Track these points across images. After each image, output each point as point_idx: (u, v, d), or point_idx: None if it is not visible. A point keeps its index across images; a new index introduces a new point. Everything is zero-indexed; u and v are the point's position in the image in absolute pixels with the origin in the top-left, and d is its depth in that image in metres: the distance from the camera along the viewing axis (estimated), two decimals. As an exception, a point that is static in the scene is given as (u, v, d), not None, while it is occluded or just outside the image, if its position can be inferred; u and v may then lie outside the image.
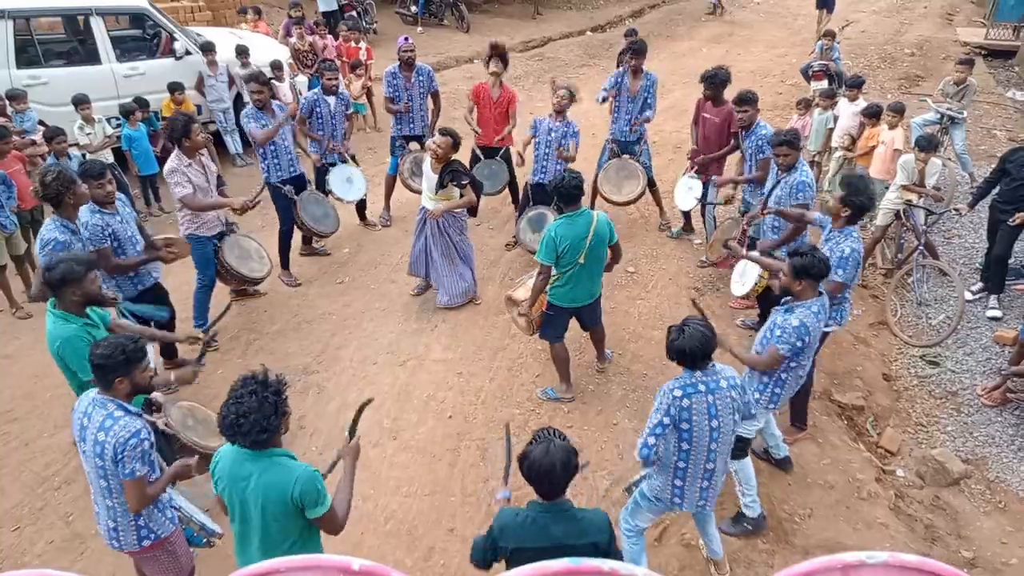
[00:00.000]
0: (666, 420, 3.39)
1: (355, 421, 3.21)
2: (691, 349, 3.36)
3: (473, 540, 2.91)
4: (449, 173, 5.82)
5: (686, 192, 6.87)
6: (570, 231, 4.71)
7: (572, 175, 4.78)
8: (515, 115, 7.25)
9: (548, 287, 4.97)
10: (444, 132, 5.89)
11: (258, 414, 2.60)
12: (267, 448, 2.72)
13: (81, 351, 3.52)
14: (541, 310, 5.13)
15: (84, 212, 4.57)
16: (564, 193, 4.73)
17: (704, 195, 6.78)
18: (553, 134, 6.49)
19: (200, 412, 4.05)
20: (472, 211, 6.34)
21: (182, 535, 3.43)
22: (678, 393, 3.38)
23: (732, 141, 6.52)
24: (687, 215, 7.47)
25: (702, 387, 3.39)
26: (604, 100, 7.31)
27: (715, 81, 6.45)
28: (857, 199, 4.46)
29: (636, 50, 7.00)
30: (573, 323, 5.25)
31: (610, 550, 2.78)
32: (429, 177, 6.00)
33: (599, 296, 5.17)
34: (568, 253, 4.73)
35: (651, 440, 3.42)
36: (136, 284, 4.88)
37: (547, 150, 6.55)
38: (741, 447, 4.19)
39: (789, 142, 5.24)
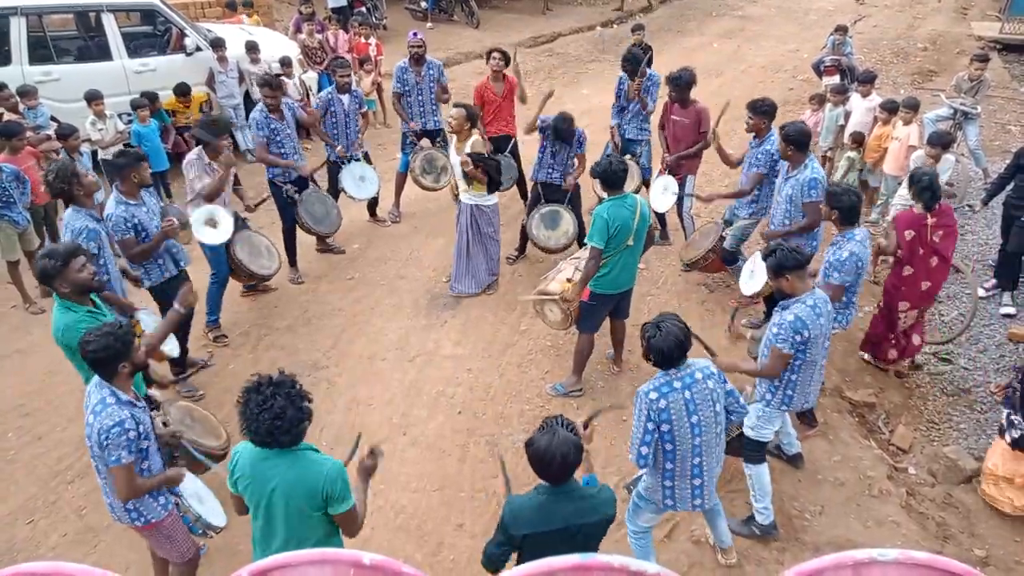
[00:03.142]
0: (650, 426, 3.36)
1: (353, 451, 3.27)
2: (668, 349, 3.32)
3: (485, 546, 2.92)
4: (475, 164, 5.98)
5: (661, 194, 6.60)
6: (620, 213, 4.76)
7: (617, 159, 4.83)
8: (524, 91, 7.25)
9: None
10: (456, 105, 6.05)
11: (292, 408, 2.62)
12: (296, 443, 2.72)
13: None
14: (579, 301, 5.14)
15: (110, 204, 4.63)
16: (610, 177, 4.77)
17: (680, 196, 6.63)
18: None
19: (198, 412, 4.06)
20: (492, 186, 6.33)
21: (178, 521, 3.45)
22: (654, 396, 3.34)
23: (703, 140, 6.43)
24: (663, 220, 7.29)
25: (677, 384, 3.36)
26: (616, 122, 7.25)
27: (680, 83, 6.33)
28: (840, 201, 4.50)
29: (626, 69, 6.92)
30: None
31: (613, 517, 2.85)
32: (456, 161, 6.10)
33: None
34: (619, 235, 4.78)
35: (644, 450, 3.41)
36: (163, 270, 4.96)
37: (554, 153, 6.43)
38: (757, 450, 4.15)
39: (758, 109, 5.58)
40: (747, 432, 4.12)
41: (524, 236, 6.89)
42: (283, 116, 6.28)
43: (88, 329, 3.14)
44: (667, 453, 3.43)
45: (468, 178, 6.03)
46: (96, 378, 3.16)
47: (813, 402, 4.31)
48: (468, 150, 6.01)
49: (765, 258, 3.94)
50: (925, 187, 5.06)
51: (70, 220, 4.37)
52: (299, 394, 2.69)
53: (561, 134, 6.22)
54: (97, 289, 3.86)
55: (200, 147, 5.48)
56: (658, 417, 3.33)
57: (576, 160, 6.46)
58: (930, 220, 5.10)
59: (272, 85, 6.18)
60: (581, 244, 6.30)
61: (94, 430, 3.04)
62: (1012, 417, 4.51)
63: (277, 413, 2.59)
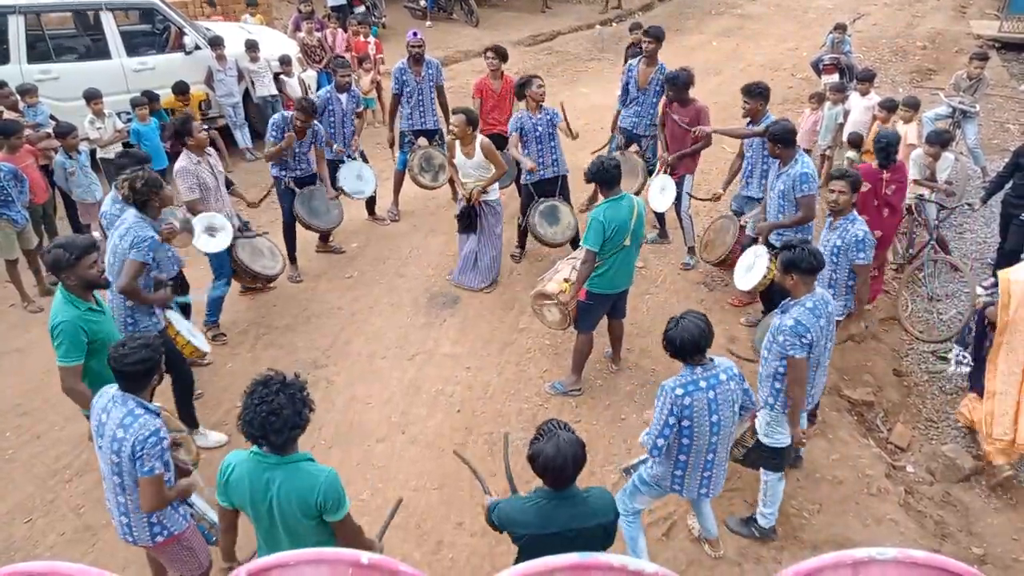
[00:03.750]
0: (672, 420, 3.41)
1: (385, 527, 3.26)
2: (682, 341, 3.35)
3: (492, 505, 2.94)
4: None
5: (659, 193, 6.56)
6: (616, 214, 4.77)
7: (610, 159, 4.84)
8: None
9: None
10: (455, 111, 6.06)
11: (290, 409, 2.61)
12: (289, 452, 2.71)
13: (74, 337, 3.59)
14: (576, 301, 5.15)
15: (107, 201, 4.63)
16: (605, 177, 4.77)
17: (679, 194, 6.60)
18: (540, 128, 6.36)
19: (172, 423, 4.04)
20: None
21: (197, 532, 3.44)
22: (680, 392, 3.38)
23: (703, 139, 6.42)
24: (662, 219, 7.28)
25: (703, 383, 3.40)
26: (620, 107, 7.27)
27: (677, 83, 6.34)
28: (857, 179, 4.64)
29: (650, 35, 6.84)
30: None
31: (615, 527, 2.84)
32: (463, 164, 6.16)
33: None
34: (615, 236, 4.78)
35: (660, 442, 3.47)
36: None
37: (539, 146, 6.41)
38: (775, 457, 4.10)
39: (752, 92, 5.84)
40: (762, 439, 4.08)
41: (522, 233, 6.92)
42: (304, 135, 6.28)
43: (120, 341, 3.10)
44: (683, 447, 3.49)
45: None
46: (115, 392, 3.10)
47: (816, 400, 4.29)
48: (479, 151, 6.06)
49: (782, 250, 3.88)
50: (882, 148, 5.82)
51: (135, 227, 4.30)
52: (302, 399, 2.68)
53: (521, 91, 6.36)
54: (103, 286, 3.85)
55: (185, 150, 5.44)
56: (680, 412, 3.39)
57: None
58: (885, 175, 5.85)
59: (307, 111, 6.16)
60: (576, 243, 6.33)
61: (127, 443, 2.97)
62: (961, 355, 5.14)
63: (274, 409, 2.58)
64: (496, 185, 6.38)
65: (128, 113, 7.70)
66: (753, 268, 5.46)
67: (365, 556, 1.59)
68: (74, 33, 9.20)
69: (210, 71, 8.80)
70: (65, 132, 6.44)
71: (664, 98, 6.67)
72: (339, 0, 13.04)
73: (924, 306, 6.70)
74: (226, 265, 5.70)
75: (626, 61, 8.85)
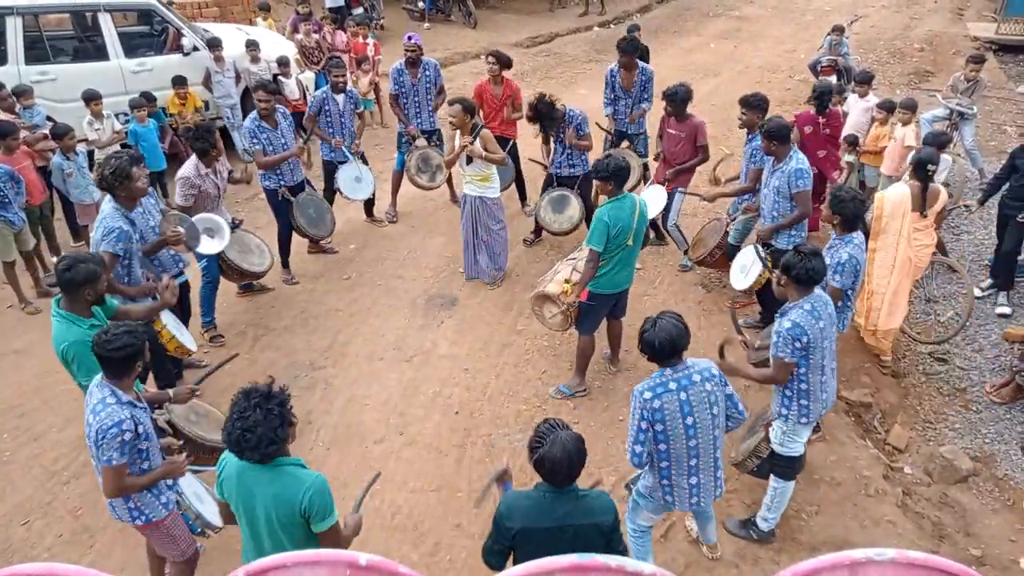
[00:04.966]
0: (644, 424, 3.36)
1: (362, 497, 3.20)
2: (660, 343, 3.31)
3: (483, 545, 2.91)
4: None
5: (649, 201, 6.50)
6: (620, 214, 4.79)
7: (616, 157, 4.86)
8: (522, 106, 7.28)
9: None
10: (452, 102, 6.12)
11: (265, 426, 2.56)
12: (274, 459, 2.68)
13: (86, 355, 3.51)
14: (578, 302, 5.15)
15: (106, 202, 4.62)
16: (620, 174, 4.78)
17: (668, 205, 6.62)
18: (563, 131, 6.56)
19: (202, 407, 4.06)
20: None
21: (179, 520, 3.46)
22: (648, 395, 3.33)
23: (700, 154, 6.47)
24: (656, 225, 7.26)
25: (672, 385, 3.34)
26: (610, 111, 7.35)
27: (675, 99, 6.35)
28: (845, 208, 4.49)
29: (621, 49, 6.99)
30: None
31: (614, 533, 2.80)
32: (462, 158, 6.20)
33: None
34: (619, 236, 4.80)
35: (637, 448, 3.42)
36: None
37: (560, 145, 6.67)
38: (789, 466, 4.07)
39: (750, 103, 5.90)
40: (775, 448, 4.05)
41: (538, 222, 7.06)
42: (276, 124, 6.23)
43: (103, 328, 3.11)
44: (661, 453, 3.43)
45: (475, 170, 6.15)
46: (98, 378, 3.14)
47: (830, 406, 4.20)
48: (478, 142, 6.08)
49: (793, 249, 3.84)
50: (817, 96, 6.70)
51: (107, 217, 4.30)
52: (280, 415, 2.61)
53: (540, 115, 6.40)
54: (102, 301, 3.84)
55: (196, 158, 5.44)
56: (652, 416, 3.33)
57: (583, 142, 6.63)
58: (821, 120, 6.68)
59: (267, 89, 6.13)
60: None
61: (93, 429, 3.04)
62: None
63: (249, 426, 2.55)
64: (497, 184, 6.40)
65: (126, 114, 7.70)
66: (749, 269, 5.48)
67: (363, 557, 1.58)
68: (72, 34, 9.18)
69: (208, 72, 8.79)
70: (62, 133, 6.44)
71: (663, 112, 6.69)
72: (337, 1, 13.04)
73: (922, 307, 6.71)
74: (213, 261, 5.68)
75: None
